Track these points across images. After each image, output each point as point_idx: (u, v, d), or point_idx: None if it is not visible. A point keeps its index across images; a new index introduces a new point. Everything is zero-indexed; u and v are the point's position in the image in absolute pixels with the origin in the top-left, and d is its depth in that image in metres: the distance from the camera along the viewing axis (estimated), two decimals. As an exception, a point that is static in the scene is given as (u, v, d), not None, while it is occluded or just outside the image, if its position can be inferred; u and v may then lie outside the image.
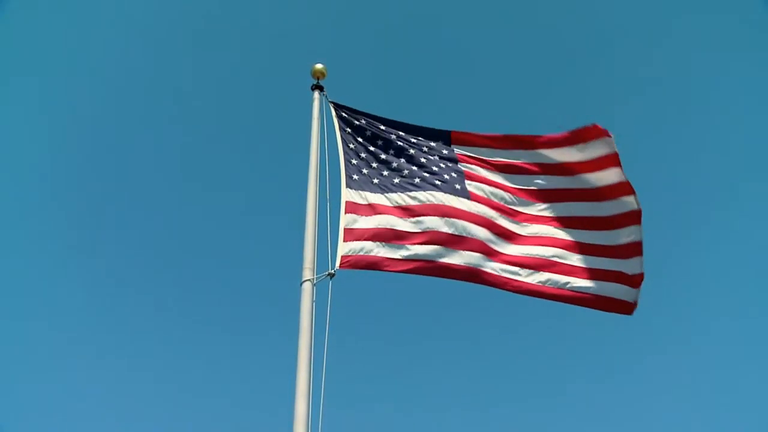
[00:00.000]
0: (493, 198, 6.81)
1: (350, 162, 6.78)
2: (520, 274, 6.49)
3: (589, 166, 6.75)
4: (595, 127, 6.68)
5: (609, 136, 6.61)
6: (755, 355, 16.06)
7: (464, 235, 6.46)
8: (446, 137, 7.12)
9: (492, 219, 6.66)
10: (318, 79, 7.42)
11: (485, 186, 6.86)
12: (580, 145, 6.75)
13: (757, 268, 17.16)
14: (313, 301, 5.66)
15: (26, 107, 17.92)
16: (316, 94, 7.29)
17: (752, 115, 18.05)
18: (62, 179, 18.42)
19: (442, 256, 6.31)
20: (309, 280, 5.73)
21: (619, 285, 6.56)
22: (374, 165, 6.88)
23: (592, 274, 6.57)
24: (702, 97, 19.71)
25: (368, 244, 6.18)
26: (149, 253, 19.18)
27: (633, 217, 6.62)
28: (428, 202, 6.56)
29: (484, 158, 7.01)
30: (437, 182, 6.75)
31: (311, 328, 5.52)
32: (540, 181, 6.93)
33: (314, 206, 6.31)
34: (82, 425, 15.27)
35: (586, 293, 6.52)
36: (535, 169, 6.94)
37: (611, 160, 6.65)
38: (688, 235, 19.45)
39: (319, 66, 7.46)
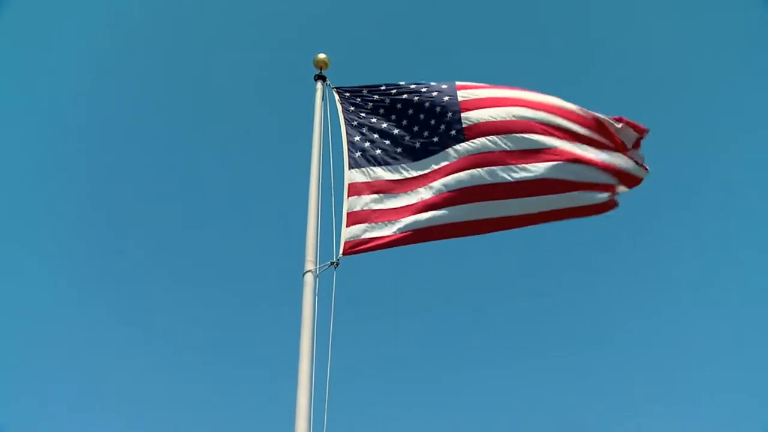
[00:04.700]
0: (491, 119, 6.57)
1: (353, 141, 6.70)
2: (511, 207, 6.36)
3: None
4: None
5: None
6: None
7: (458, 188, 6.34)
8: (452, 88, 6.86)
9: (487, 152, 6.46)
10: (321, 69, 7.33)
11: (483, 111, 6.63)
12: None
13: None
14: (315, 293, 5.54)
15: (26, 107, 17.92)
16: (319, 84, 7.19)
17: (752, 116, 17.97)
18: (62, 178, 18.39)
19: (436, 219, 6.23)
20: (310, 271, 5.61)
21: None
22: (376, 137, 6.77)
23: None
24: (701, 97, 19.64)
25: (367, 225, 6.11)
26: (149, 244, 19.09)
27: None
28: (428, 168, 6.45)
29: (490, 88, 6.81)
30: (435, 139, 6.61)
31: (313, 320, 5.38)
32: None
33: (317, 196, 6.21)
34: (82, 425, 15.21)
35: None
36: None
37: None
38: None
39: (321, 56, 7.37)
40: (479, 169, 6.37)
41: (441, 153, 6.55)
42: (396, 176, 6.49)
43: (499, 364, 17.90)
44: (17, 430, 13.81)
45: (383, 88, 7.05)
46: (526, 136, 6.46)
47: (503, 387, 17.57)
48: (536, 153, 6.40)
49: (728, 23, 18.12)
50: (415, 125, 6.78)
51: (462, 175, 6.37)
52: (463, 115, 6.64)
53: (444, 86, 6.88)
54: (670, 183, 18.27)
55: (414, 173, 6.49)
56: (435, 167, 6.49)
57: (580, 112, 6.64)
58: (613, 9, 20.38)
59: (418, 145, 6.66)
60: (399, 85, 7.05)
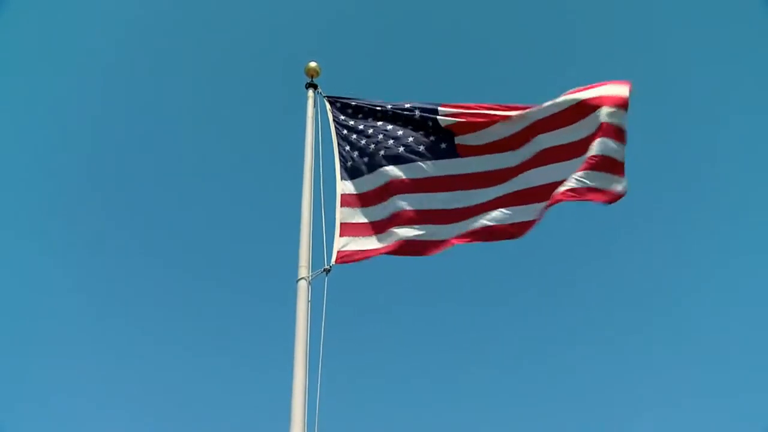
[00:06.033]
0: (484, 141, 6.51)
1: (344, 149, 6.85)
2: (510, 213, 6.09)
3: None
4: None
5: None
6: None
7: (451, 207, 6.34)
8: (434, 110, 6.77)
9: (483, 171, 6.43)
10: (312, 77, 7.44)
11: (473, 134, 6.57)
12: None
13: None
14: (308, 300, 5.67)
15: (26, 107, 17.97)
16: (311, 92, 7.31)
17: (751, 116, 18.01)
18: (59, 178, 18.46)
19: (429, 233, 6.24)
20: (304, 278, 5.75)
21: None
22: (362, 143, 6.87)
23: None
24: (701, 98, 19.63)
25: (357, 236, 6.25)
26: (142, 251, 19.17)
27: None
28: (414, 177, 6.50)
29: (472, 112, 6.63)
30: (422, 148, 6.66)
31: (307, 326, 5.51)
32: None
33: (309, 204, 6.34)
34: (82, 425, 15.32)
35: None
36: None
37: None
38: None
39: (312, 64, 7.48)
40: (476, 190, 6.36)
41: (429, 164, 6.59)
42: (383, 185, 6.56)
43: (497, 366, 18.01)
44: (17, 430, 13.95)
45: (373, 101, 7.14)
46: (516, 151, 6.39)
47: (500, 389, 17.72)
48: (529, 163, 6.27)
49: (728, 23, 18.14)
50: (403, 136, 6.82)
51: (457, 194, 6.40)
52: (456, 138, 6.62)
53: (428, 107, 6.82)
54: (670, 183, 18.44)
55: (399, 177, 6.54)
56: (421, 177, 6.55)
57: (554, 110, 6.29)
58: (613, 8, 20.44)
59: (404, 155, 6.69)
60: (387, 102, 7.09)
